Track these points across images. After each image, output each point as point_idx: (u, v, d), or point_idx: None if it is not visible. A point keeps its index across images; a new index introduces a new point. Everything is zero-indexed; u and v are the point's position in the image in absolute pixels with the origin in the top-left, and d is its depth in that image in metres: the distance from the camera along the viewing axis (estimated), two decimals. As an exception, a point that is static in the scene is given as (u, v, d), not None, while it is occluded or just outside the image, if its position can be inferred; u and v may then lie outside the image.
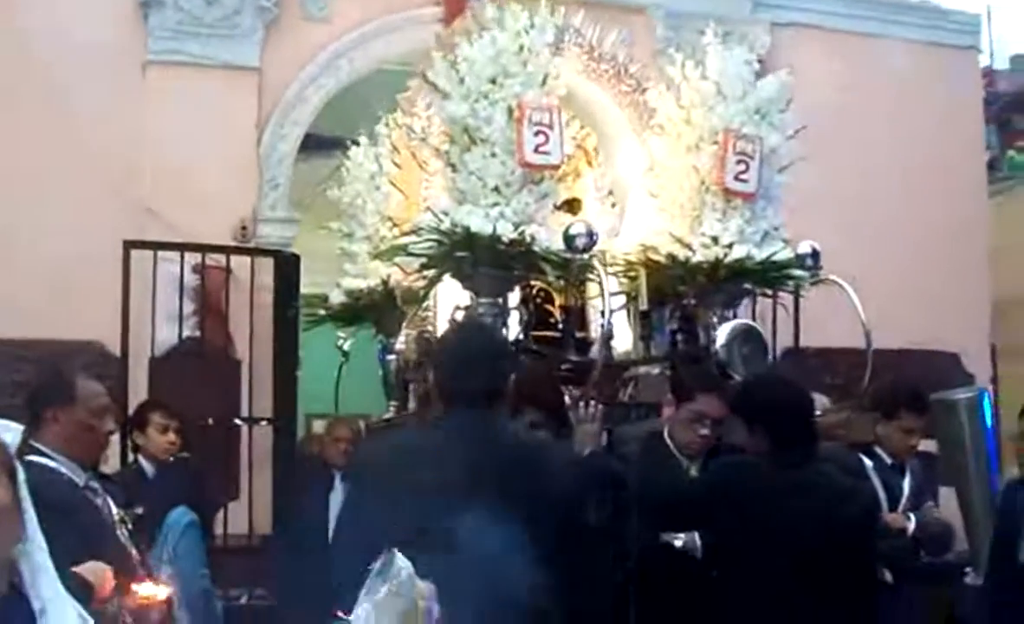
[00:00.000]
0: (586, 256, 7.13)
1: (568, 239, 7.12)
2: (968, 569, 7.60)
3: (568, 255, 7.22)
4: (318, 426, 11.94)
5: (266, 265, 10.96)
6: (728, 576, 5.85)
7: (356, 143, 9.57)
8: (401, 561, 3.89)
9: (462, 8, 9.93)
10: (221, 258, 10.72)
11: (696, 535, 6.10)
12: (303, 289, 10.94)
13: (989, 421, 10.25)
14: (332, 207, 9.93)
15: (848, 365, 8.80)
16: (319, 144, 12.39)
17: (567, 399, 6.60)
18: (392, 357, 8.83)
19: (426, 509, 4.30)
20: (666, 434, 6.50)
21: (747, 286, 8.02)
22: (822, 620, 5.57)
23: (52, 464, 5.06)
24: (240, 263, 10.81)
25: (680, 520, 6.14)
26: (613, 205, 8.88)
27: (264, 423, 10.70)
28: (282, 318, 10.77)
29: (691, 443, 6.35)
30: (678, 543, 6.12)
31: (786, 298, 8.42)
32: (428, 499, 4.33)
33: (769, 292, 8.25)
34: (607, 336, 7.51)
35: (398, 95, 9.04)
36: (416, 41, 11.22)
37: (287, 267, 11.06)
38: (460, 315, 7.36)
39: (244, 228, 11.26)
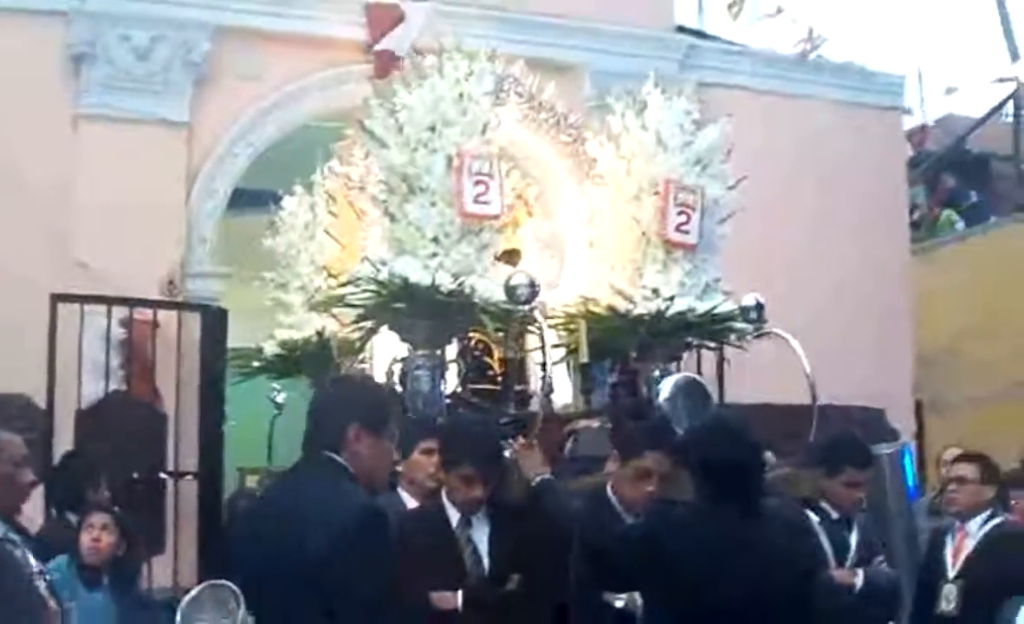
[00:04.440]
0: (527, 308, 6.85)
1: (509, 291, 6.88)
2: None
3: (509, 306, 6.94)
4: (252, 481, 11.61)
5: (193, 319, 10.64)
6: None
7: (289, 195, 9.30)
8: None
9: (393, 66, 9.79)
10: (149, 312, 10.36)
11: (637, 595, 5.73)
12: (235, 343, 10.63)
13: (911, 475, 10.14)
14: (264, 260, 9.66)
15: (785, 420, 8.56)
16: (249, 199, 12.10)
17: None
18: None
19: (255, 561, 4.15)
20: (610, 490, 6.18)
21: (689, 339, 7.76)
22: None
23: None
24: (167, 317, 10.49)
25: (620, 579, 5.81)
26: (552, 256, 8.63)
27: (190, 477, 10.34)
28: (208, 372, 10.46)
29: (636, 500, 6.03)
30: (619, 603, 5.78)
31: (729, 351, 8.16)
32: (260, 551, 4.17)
33: (711, 345, 8.00)
34: (547, 389, 7.24)
35: (332, 146, 8.80)
36: (345, 97, 11.01)
37: (214, 321, 10.75)
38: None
39: (171, 282, 10.95)
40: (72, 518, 7.88)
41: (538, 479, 6.05)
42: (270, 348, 9.27)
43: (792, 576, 5.32)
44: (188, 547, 10.19)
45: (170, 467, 10.31)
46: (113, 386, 10.33)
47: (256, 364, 9.58)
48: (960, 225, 17.81)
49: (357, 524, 4.12)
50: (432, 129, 7.07)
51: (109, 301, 10.15)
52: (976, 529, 6.84)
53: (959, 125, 20.33)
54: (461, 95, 7.12)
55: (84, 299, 10.02)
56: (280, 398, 9.59)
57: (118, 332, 10.34)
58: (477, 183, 6.99)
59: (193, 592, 4.00)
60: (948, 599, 6.76)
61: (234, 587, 3.99)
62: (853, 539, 6.75)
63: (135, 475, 9.84)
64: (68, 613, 5.57)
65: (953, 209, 18.36)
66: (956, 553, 6.87)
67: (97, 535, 7.43)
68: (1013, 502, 7.57)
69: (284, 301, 9.20)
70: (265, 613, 4.08)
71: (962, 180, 19.15)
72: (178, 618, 4.02)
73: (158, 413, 10.53)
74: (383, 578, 4.17)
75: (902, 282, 13.83)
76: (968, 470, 6.96)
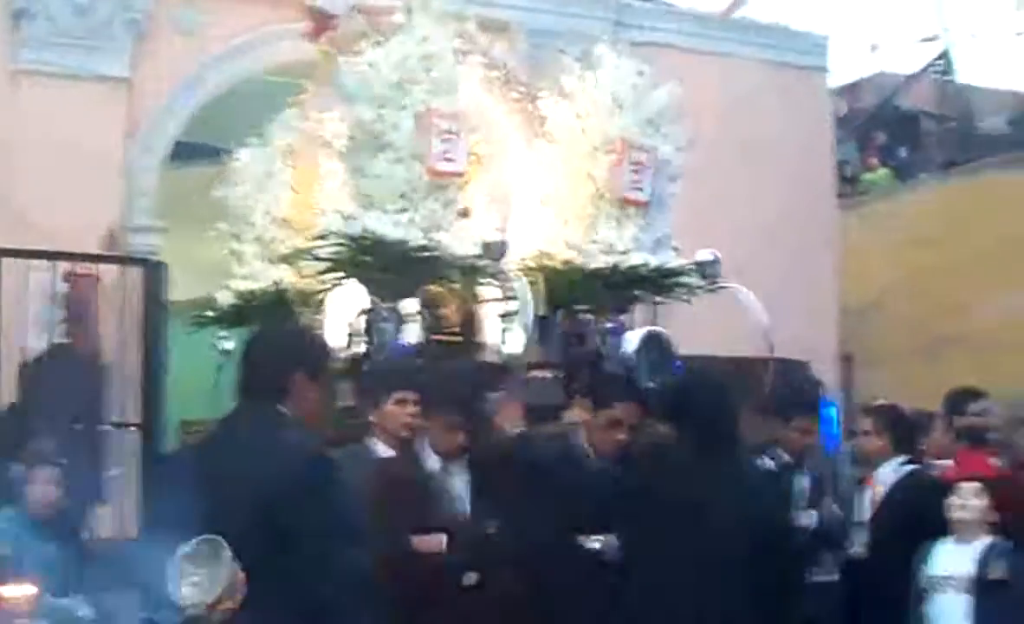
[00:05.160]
0: (501, 264, 7.07)
1: (486, 247, 7.09)
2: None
3: (476, 261, 7.15)
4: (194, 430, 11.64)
5: (135, 273, 10.72)
6: (646, 569, 5.78)
7: (242, 147, 9.35)
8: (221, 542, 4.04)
9: (328, 26, 9.89)
10: (91, 266, 10.45)
11: (613, 537, 6.03)
12: (179, 295, 10.70)
13: (835, 426, 10.51)
14: (208, 212, 9.71)
15: (727, 371, 8.84)
16: (192, 152, 12.18)
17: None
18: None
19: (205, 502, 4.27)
20: (578, 438, 6.46)
21: (642, 292, 8.01)
22: (743, 610, 5.55)
23: None
24: (110, 270, 10.57)
25: (597, 522, 6.09)
26: (499, 212, 8.80)
27: (132, 428, 10.44)
28: (150, 324, 10.53)
29: (607, 447, 6.33)
30: (596, 545, 6.04)
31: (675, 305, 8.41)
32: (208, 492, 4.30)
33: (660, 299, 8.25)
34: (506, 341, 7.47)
35: (283, 100, 8.89)
36: (285, 52, 11.13)
37: (155, 274, 10.82)
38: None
39: (113, 236, 11.03)
40: (15, 468, 8.01)
41: (516, 431, 6.27)
42: (224, 298, 9.32)
43: (768, 515, 5.70)
44: (130, 498, 10.29)
45: (113, 419, 10.40)
46: (57, 339, 10.42)
47: (209, 314, 9.63)
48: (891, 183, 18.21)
49: (311, 467, 4.37)
50: (399, 86, 7.19)
51: (53, 256, 10.21)
52: (886, 476, 7.07)
53: (889, 83, 20.72)
54: (427, 54, 7.25)
55: (28, 254, 10.08)
56: (228, 345, 9.65)
57: (62, 286, 10.42)
58: (444, 141, 7.13)
59: (187, 546, 4.03)
60: (859, 542, 7.00)
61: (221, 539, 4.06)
62: (805, 482, 7.10)
63: (78, 426, 9.92)
64: (19, 562, 5.73)
65: (883, 165, 18.77)
66: (868, 500, 7.09)
67: (45, 488, 7.58)
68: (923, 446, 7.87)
69: (237, 251, 9.24)
70: None
71: (892, 137, 19.58)
72: (174, 571, 4.05)
73: (100, 365, 10.63)
74: (339, 521, 4.38)
75: (829, 238, 14.17)
76: (867, 423, 7.24)
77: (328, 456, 4.58)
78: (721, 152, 13.24)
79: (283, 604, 4.18)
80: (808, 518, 6.96)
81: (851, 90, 19.91)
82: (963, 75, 19.91)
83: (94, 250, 10.72)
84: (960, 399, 8.69)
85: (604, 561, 6.05)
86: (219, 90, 11.90)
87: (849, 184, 17.35)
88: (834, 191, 15.02)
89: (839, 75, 16.34)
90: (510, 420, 6.40)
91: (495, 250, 7.04)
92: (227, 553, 4.04)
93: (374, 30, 7.62)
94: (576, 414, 6.64)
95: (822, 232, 14.11)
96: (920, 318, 14.91)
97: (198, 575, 4.05)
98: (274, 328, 6.18)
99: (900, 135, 19.67)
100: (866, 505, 7.11)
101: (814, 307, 13.50)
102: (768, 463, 6.98)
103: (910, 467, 7.13)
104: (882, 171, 18.66)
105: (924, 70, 19.87)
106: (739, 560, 5.51)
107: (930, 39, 19.61)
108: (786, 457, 7.07)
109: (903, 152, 19.37)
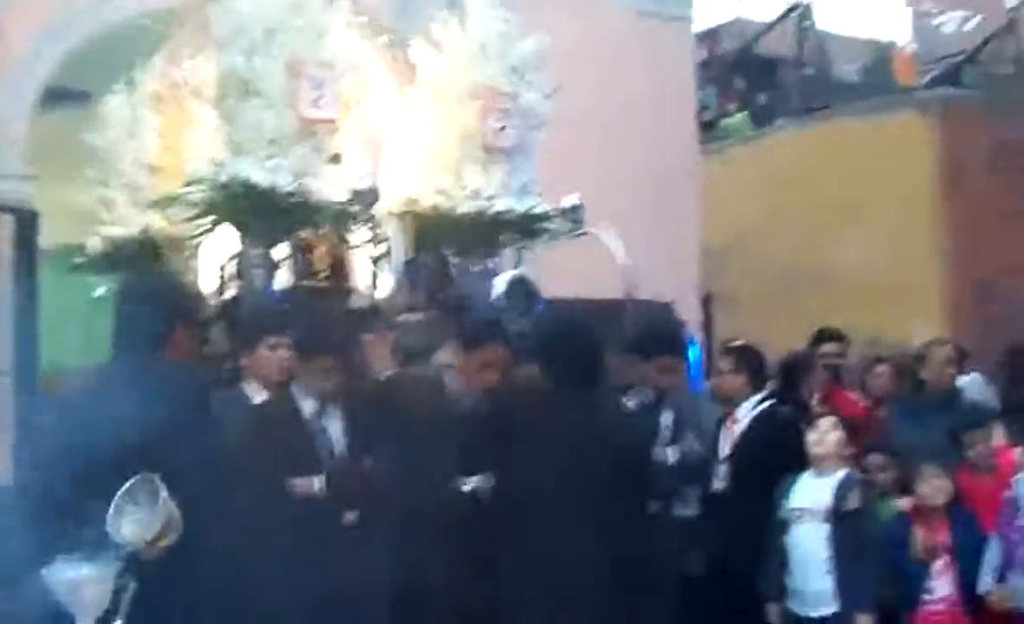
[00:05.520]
0: (371, 210, 7.06)
1: (356, 195, 7.11)
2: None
3: (344, 207, 7.12)
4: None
5: (5, 221, 10.49)
6: (513, 505, 5.86)
7: (109, 93, 9.17)
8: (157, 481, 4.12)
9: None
10: (-40, 214, 10.22)
11: (487, 476, 6.07)
12: (50, 241, 10.49)
13: (697, 365, 10.63)
14: (80, 157, 9.52)
15: (592, 313, 8.91)
16: (62, 96, 11.88)
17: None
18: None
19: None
20: (448, 380, 6.46)
21: (509, 236, 8.04)
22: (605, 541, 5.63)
23: None
24: (-22, 218, 10.34)
25: (469, 461, 6.11)
26: (369, 157, 8.76)
27: (3, 375, 10.25)
28: (22, 272, 10.33)
29: (479, 389, 6.35)
30: (468, 487, 6.09)
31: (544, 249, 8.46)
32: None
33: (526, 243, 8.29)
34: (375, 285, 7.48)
35: (151, 45, 8.73)
36: None
37: (25, 222, 10.61)
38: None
39: (-20, 184, 10.77)
40: None
41: (389, 373, 6.28)
42: (94, 244, 9.16)
43: (629, 448, 5.81)
44: (3, 444, 10.12)
45: (-15, 365, 10.22)
46: (-74, 288, 10.19)
47: (79, 261, 9.46)
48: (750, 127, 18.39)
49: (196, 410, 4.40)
50: (268, 32, 7.13)
51: (-78, 206, 9.99)
52: (743, 414, 7.14)
53: (748, 30, 20.83)
54: (297, 1, 7.19)
55: (-101, 204, 9.86)
56: (99, 291, 9.48)
57: (-72, 235, 10.19)
58: (314, 88, 7.10)
59: (126, 485, 4.07)
60: (720, 477, 7.08)
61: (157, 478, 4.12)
62: (666, 419, 7.18)
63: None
64: None
65: (741, 110, 18.93)
66: (728, 437, 7.16)
67: None
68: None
69: (106, 198, 9.09)
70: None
71: (751, 83, 19.74)
72: (111, 510, 4.08)
73: (-30, 313, 10.41)
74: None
75: (690, 181, 14.29)
76: (726, 362, 7.33)
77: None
78: (586, 100, 13.23)
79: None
80: (671, 454, 7.01)
81: (710, 36, 20.00)
82: (821, 22, 20.07)
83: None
84: (819, 339, 8.91)
85: (479, 500, 6.09)
86: (90, 34, 11.54)
87: (709, 129, 17.47)
88: (696, 137, 15.11)
89: (699, 21, 16.33)
90: (381, 362, 6.36)
91: (365, 197, 7.08)
92: (164, 492, 4.11)
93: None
94: (446, 356, 6.62)
95: (684, 176, 14.20)
96: (779, 259, 15.13)
97: (138, 513, 4.11)
98: (147, 277, 6.02)
99: (759, 81, 19.84)
100: (725, 442, 7.18)
101: (677, 249, 13.59)
102: (631, 402, 7.01)
103: (766, 403, 7.23)
104: (740, 116, 18.83)
105: (783, 17, 19.98)
106: (601, 493, 5.61)
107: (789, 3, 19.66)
108: (650, 396, 7.11)
109: (762, 98, 19.55)
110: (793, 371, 8.33)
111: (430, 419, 6.06)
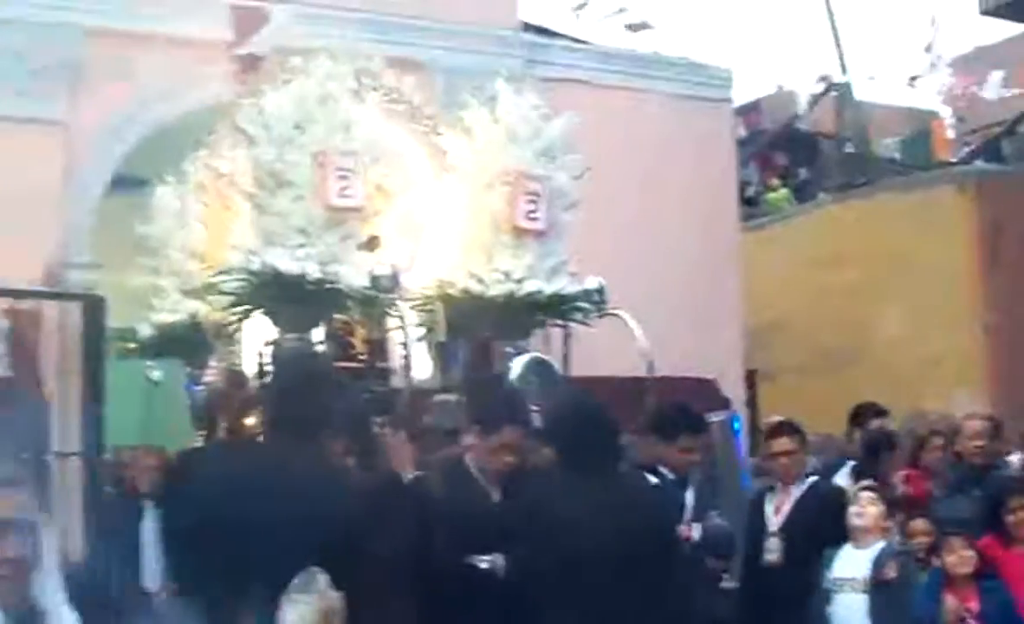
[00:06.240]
0: (392, 296, 6.87)
1: (374, 281, 6.94)
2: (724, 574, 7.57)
3: (371, 292, 6.95)
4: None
5: (74, 308, 10.46)
6: (542, 591, 5.59)
7: (161, 184, 9.14)
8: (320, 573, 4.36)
9: (256, 66, 9.74)
10: (32, 303, 10.17)
11: (500, 556, 5.82)
12: (113, 323, 10.46)
13: (740, 440, 10.32)
14: (134, 243, 9.53)
15: (621, 392, 8.64)
16: (127, 183, 11.94)
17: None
18: (200, 388, 8.46)
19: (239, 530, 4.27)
20: (469, 461, 6.21)
21: (539, 318, 7.83)
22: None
23: None
24: (50, 306, 10.30)
25: (485, 543, 5.87)
26: (408, 240, 8.60)
27: (74, 457, 10.16)
28: (89, 357, 10.27)
29: (496, 470, 6.09)
30: (484, 565, 5.83)
31: (579, 329, 8.23)
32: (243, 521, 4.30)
33: (560, 323, 8.07)
34: (409, 367, 7.25)
35: (202, 139, 8.69)
36: (212, 95, 11.00)
37: (92, 309, 10.56)
38: (285, 348, 7.03)
39: (52, 274, 10.80)
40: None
41: (411, 476, 6.11)
42: (145, 330, 9.11)
43: (658, 528, 5.57)
44: (75, 522, 10.02)
45: (54, 447, 10.13)
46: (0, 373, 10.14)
47: (131, 345, 9.39)
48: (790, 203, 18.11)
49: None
50: (298, 127, 7.04)
51: (-6, 294, 9.97)
52: (795, 489, 7.05)
53: (788, 100, 20.57)
54: (325, 95, 7.07)
55: (-29, 293, 9.83)
56: (155, 375, 9.40)
57: (3, 322, 10.14)
58: (340, 177, 6.99)
59: (299, 577, 4.28)
60: (772, 550, 6.94)
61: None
62: (689, 497, 6.90)
63: (24, 456, 9.65)
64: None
65: (783, 184, 18.64)
66: (778, 509, 7.04)
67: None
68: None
69: (157, 285, 9.05)
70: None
71: (792, 158, 19.48)
72: (286, 602, 4.29)
73: (42, 397, 10.35)
74: None
75: (732, 260, 14.05)
76: (788, 445, 7.13)
77: None
78: (630, 181, 13.08)
79: None
80: (693, 530, 6.73)
81: (750, 110, 19.73)
82: (860, 93, 19.77)
83: (34, 287, 10.38)
84: (862, 414, 8.65)
85: (495, 577, 5.84)
86: (151, 130, 11.67)
87: (751, 204, 17.20)
88: (737, 215, 14.87)
89: (738, 94, 16.17)
90: (402, 464, 6.15)
91: (384, 282, 6.84)
92: (323, 580, 4.36)
93: (282, 71, 7.38)
94: (468, 438, 6.39)
95: (727, 254, 13.98)
96: (820, 335, 14.83)
97: (302, 603, 4.33)
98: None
99: (800, 157, 19.56)
100: (769, 515, 7.06)
101: (720, 325, 13.34)
102: (652, 480, 6.74)
103: (810, 479, 7.20)
104: (783, 191, 18.54)
105: (823, 93, 19.70)
106: (624, 572, 5.36)
107: (831, 85, 19.30)
108: (671, 475, 6.84)
109: (802, 173, 19.27)
110: (877, 448, 8.20)
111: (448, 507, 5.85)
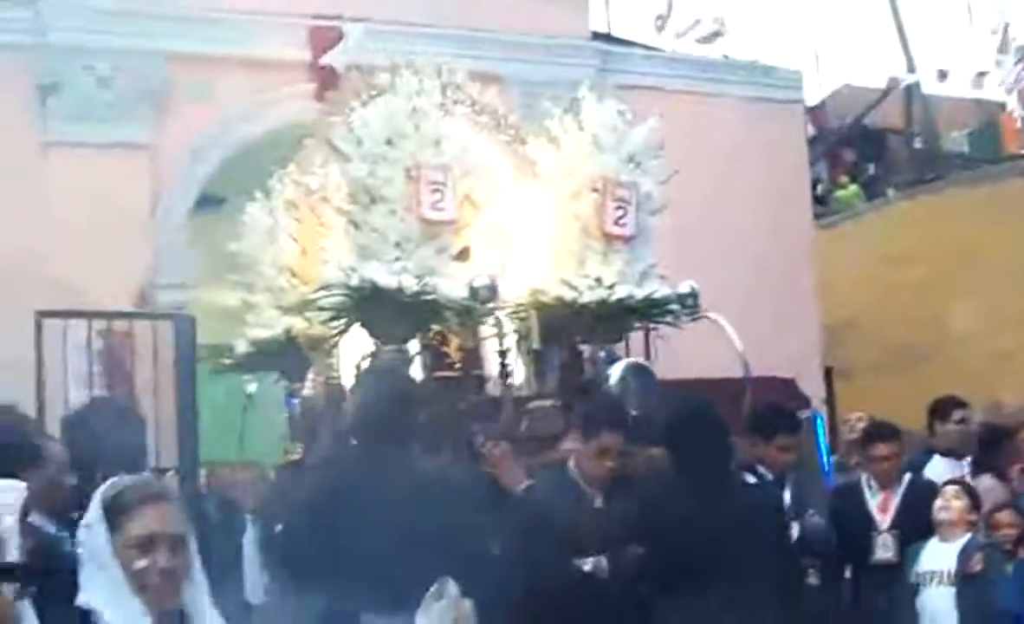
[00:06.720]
0: (490, 306, 6.86)
1: (473, 292, 6.94)
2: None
3: (469, 303, 6.93)
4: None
5: (166, 327, 10.54)
6: (656, 592, 5.72)
7: (249, 201, 9.16)
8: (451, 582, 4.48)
9: (334, 83, 9.79)
10: (125, 323, 10.26)
11: (603, 558, 5.86)
12: (205, 339, 10.52)
13: (823, 438, 10.21)
14: (222, 260, 9.60)
15: (716, 394, 8.58)
16: (208, 202, 12.04)
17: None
18: (297, 401, 8.52)
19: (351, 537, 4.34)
20: (572, 466, 6.18)
21: (631, 322, 7.78)
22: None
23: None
24: (142, 326, 10.39)
25: (588, 546, 5.87)
26: (498, 250, 8.57)
27: (171, 472, 10.22)
28: (182, 374, 10.34)
29: (598, 475, 6.05)
30: (587, 567, 5.85)
31: (665, 332, 8.15)
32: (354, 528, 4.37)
33: (652, 326, 8.03)
34: (507, 375, 7.24)
35: (286, 156, 8.76)
36: (292, 113, 11.30)
37: (184, 328, 10.63)
38: (370, 362, 7.02)
39: (143, 295, 10.94)
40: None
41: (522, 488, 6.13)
42: (241, 346, 9.13)
43: (769, 528, 5.61)
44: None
45: (151, 464, 10.21)
46: (96, 393, 10.22)
47: (227, 361, 9.41)
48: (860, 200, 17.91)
49: None
50: (389, 142, 7.03)
51: (89, 315, 10.03)
52: (897, 487, 7.07)
53: (855, 95, 20.31)
54: (414, 109, 7.07)
55: (67, 315, 9.90)
56: (251, 389, 9.45)
57: (97, 343, 10.23)
58: (433, 191, 6.98)
59: (432, 588, 4.39)
60: (887, 547, 6.92)
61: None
62: (787, 496, 6.85)
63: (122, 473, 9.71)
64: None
65: (851, 181, 18.44)
66: (884, 507, 7.02)
67: None
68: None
69: (250, 301, 9.06)
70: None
71: (861, 154, 19.26)
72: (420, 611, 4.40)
73: (137, 415, 10.42)
74: None
75: (807, 259, 13.96)
76: (891, 448, 7.13)
77: None
78: (706, 185, 12.98)
79: None
80: (794, 529, 6.67)
81: (818, 108, 19.50)
82: (928, 87, 19.49)
83: (126, 307, 10.49)
84: (943, 408, 8.51)
85: (596, 579, 5.89)
86: (233, 151, 11.74)
87: (821, 203, 17.04)
88: (810, 214, 14.76)
89: (808, 93, 16.05)
90: (510, 477, 6.17)
91: (483, 293, 6.84)
92: (454, 589, 4.48)
93: (368, 88, 7.38)
94: (568, 443, 6.38)
95: (802, 253, 13.89)
96: (894, 331, 14.64)
97: (435, 610, 4.45)
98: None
99: (868, 153, 19.34)
100: (873, 512, 7.05)
101: (797, 325, 13.24)
102: (752, 480, 6.69)
103: (908, 476, 7.19)
104: (852, 188, 18.33)
105: (890, 89, 19.46)
106: (737, 572, 5.42)
107: (897, 83, 19.08)
108: (769, 474, 6.78)
109: (871, 169, 19.05)
110: (998, 439, 8.08)
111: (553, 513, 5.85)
